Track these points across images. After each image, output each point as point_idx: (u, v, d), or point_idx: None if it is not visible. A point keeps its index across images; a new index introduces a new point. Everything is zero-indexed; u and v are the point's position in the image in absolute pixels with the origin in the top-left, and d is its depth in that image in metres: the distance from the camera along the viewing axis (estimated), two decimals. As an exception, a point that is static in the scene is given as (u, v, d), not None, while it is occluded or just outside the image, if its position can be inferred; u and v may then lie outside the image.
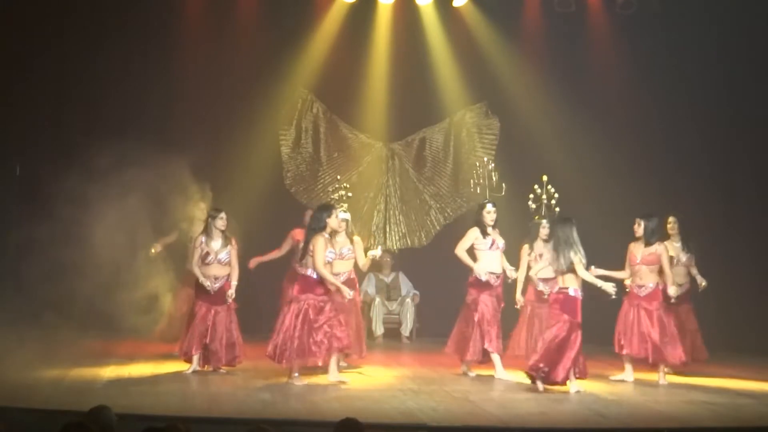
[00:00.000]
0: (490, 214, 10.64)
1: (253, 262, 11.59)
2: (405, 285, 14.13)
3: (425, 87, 14.30)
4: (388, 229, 14.52)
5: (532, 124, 14.04)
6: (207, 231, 10.39)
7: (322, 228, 9.87)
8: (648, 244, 10.47)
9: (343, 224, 10.50)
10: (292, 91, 14.18)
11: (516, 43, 14.17)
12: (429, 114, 14.56)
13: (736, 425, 8.62)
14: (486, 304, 10.50)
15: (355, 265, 10.77)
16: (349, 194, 11.11)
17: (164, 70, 13.41)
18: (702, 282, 11.13)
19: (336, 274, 10.13)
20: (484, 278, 10.49)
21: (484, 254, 10.60)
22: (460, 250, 10.59)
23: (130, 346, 11.61)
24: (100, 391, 9.10)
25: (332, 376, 9.91)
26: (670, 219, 11.17)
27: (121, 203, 11.81)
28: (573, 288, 9.71)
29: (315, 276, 9.81)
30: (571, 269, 9.68)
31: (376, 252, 10.69)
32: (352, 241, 10.64)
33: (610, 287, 9.73)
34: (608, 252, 12.31)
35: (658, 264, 10.42)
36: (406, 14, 14.12)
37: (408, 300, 13.92)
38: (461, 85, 14.33)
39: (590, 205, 13.33)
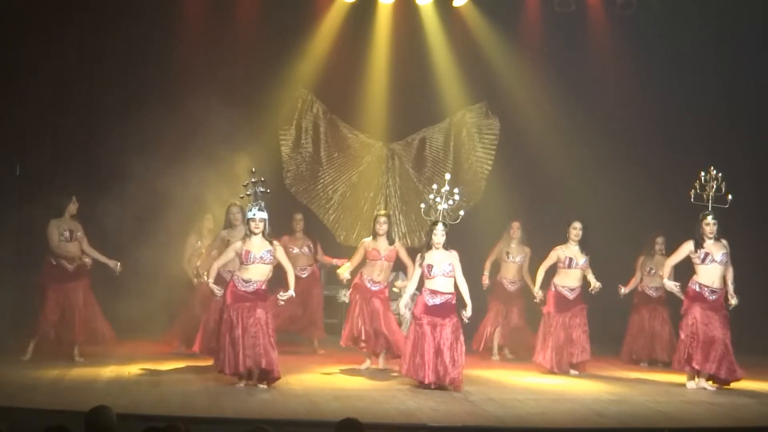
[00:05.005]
0: (709, 226, 10.16)
1: None
2: (405, 285, 14.12)
3: (425, 87, 14.29)
4: (388, 229, 14.50)
5: (532, 124, 14.05)
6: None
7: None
8: None
9: (261, 224, 9.55)
10: (292, 91, 14.19)
11: (516, 43, 14.17)
12: (429, 114, 14.55)
13: (736, 425, 8.63)
14: (695, 317, 10.14)
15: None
16: (268, 190, 9.73)
17: (164, 70, 13.40)
18: (596, 284, 11.10)
19: (247, 281, 9.54)
20: (676, 290, 10.27)
21: (700, 269, 10.22)
22: (669, 264, 10.45)
23: (130, 346, 11.61)
24: (100, 391, 9.10)
25: None
26: (575, 224, 11.20)
27: (121, 205, 11.85)
28: None
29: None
30: None
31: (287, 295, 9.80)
32: (271, 244, 9.65)
33: None
34: (607, 251, 12.35)
35: None
36: (406, 14, 14.10)
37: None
38: (461, 85, 14.33)
39: (589, 205, 13.34)
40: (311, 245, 12.33)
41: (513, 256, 12.30)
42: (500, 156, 14.42)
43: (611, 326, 12.50)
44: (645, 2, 13.77)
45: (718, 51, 13.69)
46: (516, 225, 12.35)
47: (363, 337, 10.77)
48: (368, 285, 10.87)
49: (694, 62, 13.71)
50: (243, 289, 9.50)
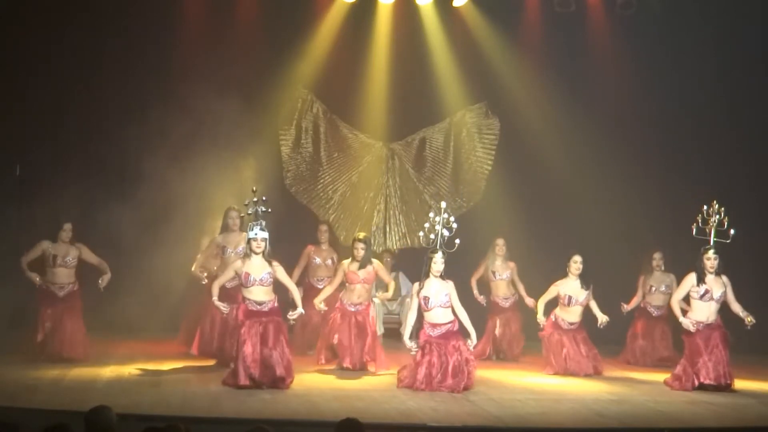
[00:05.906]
0: (710, 261, 10.04)
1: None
2: (405, 285, 14.11)
3: (425, 87, 14.29)
4: (388, 229, 14.52)
5: (532, 124, 14.05)
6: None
7: None
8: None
9: (262, 244, 9.51)
10: (292, 91, 14.19)
11: (516, 43, 14.17)
12: (429, 114, 14.56)
13: (737, 425, 8.63)
14: (697, 341, 10.08)
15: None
16: (269, 209, 9.62)
17: (164, 70, 13.41)
18: (602, 318, 11.01)
19: (260, 303, 9.47)
20: (692, 329, 10.06)
21: (696, 303, 10.16)
22: (675, 301, 10.31)
23: (130, 346, 11.61)
24: (100, 391, 9.10)
25: None
26: (575, 258, 11.06)
27: (121, 205, 11.85)
28: None
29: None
30: None
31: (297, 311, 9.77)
32: (270, 265, 9.56)
33: None
34: (606, 253, 12.34)
35: None
36: (406, 14, 14.11)
37: (408, 300, 13.88)
38: (461, 85, 14.33)
39: (589, 206, 13.35)
40: (335, 258, 12.02)
41: (499, 274, 12.26)
42: (500, 156, 14.42)
43: (611, 335, 12.48)
44: (645, 2, 13.78)
45: (718, 51, 13.69)
46: (501, 242, 12.25)
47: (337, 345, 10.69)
48: (349, 308, 10.83)
49: (694, 62, 13.71)
50: (255, 308, 9.48)
